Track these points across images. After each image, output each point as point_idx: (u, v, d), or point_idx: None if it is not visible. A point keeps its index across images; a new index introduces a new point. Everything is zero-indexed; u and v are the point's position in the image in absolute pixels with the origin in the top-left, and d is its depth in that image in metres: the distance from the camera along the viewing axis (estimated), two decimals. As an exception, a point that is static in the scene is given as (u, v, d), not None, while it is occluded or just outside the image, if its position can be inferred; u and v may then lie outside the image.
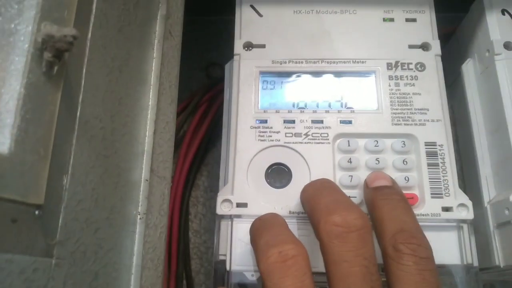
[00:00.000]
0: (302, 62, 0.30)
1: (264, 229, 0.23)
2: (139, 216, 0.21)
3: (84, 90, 0.18)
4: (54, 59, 0.16)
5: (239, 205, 0.26)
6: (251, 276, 0.25)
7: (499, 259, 0.28)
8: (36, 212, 0.15)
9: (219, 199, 0.27)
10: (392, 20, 0.31)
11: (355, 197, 0.26)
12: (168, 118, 0.25)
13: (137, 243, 0.21)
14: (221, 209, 0.26)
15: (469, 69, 0.33)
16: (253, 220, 0.24)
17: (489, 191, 0.30)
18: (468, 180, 0.32)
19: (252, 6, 0.31)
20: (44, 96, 0.16)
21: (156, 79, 0.23)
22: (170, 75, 0.26)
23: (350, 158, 0.27)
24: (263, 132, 0.28)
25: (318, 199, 0.23)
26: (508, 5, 0.31)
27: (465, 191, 0.27)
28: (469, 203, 0.26)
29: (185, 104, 0.38)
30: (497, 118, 0.29)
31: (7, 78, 0.15)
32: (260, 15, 0.31)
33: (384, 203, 0.23)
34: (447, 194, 0.26)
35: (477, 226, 0.29)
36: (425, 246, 0.20)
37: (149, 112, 0.23)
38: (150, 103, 0.23)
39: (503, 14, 0.31)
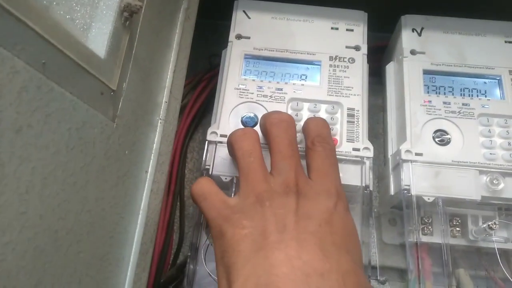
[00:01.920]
0: (273, 51, 0.44)
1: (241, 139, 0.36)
2: (159, 121, 0.35)
3: (138, 39, 0.32)
4: (128, 16, 0.30)
5: (222, 135, 0.40)
6: (224, 179, 0.39)
7: (391, 189, 0.42)
8: (112, 93, 0.29)
9: (209, 131, 0.40)
10: (337, 29, 0.46)
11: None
12: (182, 66, 0.39)
13: (156, 139, 0.35)
14: (210, 137, 0.40)
15: (390, 68, 0.47)
16: None
17: (392, 148, 0.44)
18: (386, 136, 0.46)
19: (244, 11, 0.46)
20: (121, 35, 0.30)
21: (177, 45, 0.38)
22: (185, 43, 0.40)
23: (297, 114, 0.41)
24: (242, 92, 0.42)
25: (267, 114, 0.36)
26: (417, 25, 0.46)
27: (383, 146, 0.41)
28: (371, 147, 0.40)
29: (190, 80, 0.52)
30: (400, 99, 0.44)
31: (104, 21, 0.29)
32: (249, 17, 0.46)
33: (312, 122, 0.36)
34: (357, 140, 0.40)
35: (383, 172, 0.43)
36: (330, 144, 0.34)
37: (171, 60, 0.37)
38: (172, 57, 0.37)
39: (412, 31, 0.46)
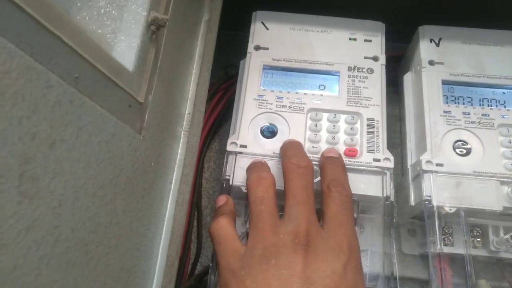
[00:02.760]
0: (292, 61, 0.44)
1: (252, 165, 0.37)
2: (183, 132, 0.35)
3: (163, 52, 0.33)
4: (155, 30, 0.30)
5: (241, 146, 0.40)
6: (244, 190, 0.39)
7: (411, 200, 0.42)
8: (139, 106, 0.30)
9: (229, 141, 0.40)
10: (355, 39, 0.46)
11: (316, 151, 0.40)
12: (205, 78, 0.39)
13: (180, 150, 0.35)
14: (230, 148, 0.40)
15: (408, 79, 0.47)
16: (249, 156, 0.39)
17: (412, 158, 0.44)
18: (404, 146, 0.46)
19: (262, 23, 0.46)
20: (148, 48, 0.30)
21: (199, 57, 0.38)
22: (208, 55, 0.40)
23: (316, 124, 0.41)
24: (261, 103, 0.42)
25: (287, 150, 0.37)
26: (435, 36, 0.46)
27: (401, 157, 0.41)
28: (391, 158, 0.40)
29: (208, 89, 0.52)
30: (419, 109, 0.44)
31: (132, 35, 0.29)
32: (267, 28, 0.46)
33: (329, 165, 0.36)
34: (378, 151, 0.40)
35: (401, 182, 0.43)
36: (346, 189, 0.33)
37: (193, 72, 0.37)
38: (194, 69, 0.37)
39: (431, 42, 0.46)
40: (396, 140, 0.50)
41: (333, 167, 0.36)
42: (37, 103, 0.22)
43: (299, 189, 0.32)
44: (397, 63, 0.53)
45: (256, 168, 0.36)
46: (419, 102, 0.44)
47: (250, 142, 0.41)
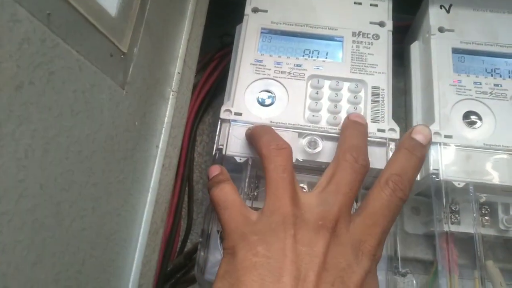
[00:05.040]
0: (292, 25, 0.41)
1: (264, 132, 0.33)
2: (171, 93, 0.32)
3: (151, 2, 0.30)
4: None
5: (236, 113, 0.37)
6: (239, 160, 0.36)
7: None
8: (122, 56, 0.27)
9: (223, 108, 0.38)
10: (360, 3, 0.43)
11: (317, 120, 0.37)
12: (197, 33, 0.36)
13: (168, 111, 0.32)
14: (223, 115, 0.37)
15: (415, 48, 0.44)
16: (245, 124, 0.35)
17: (417, 131, 0.41)
18: (409, 120, 0.43)
19: (261, -16, 0.43)
20: (133, -6, 0.27)
21: (191, 13, 0.35)
22: (201, 10, 0.37)
23: (317, 91, 0.38)
24: (258, 68, 0.39)
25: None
26: (445, 2, 0.43)
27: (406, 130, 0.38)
28: (397, 128, 0.37)
29: (200, 59, 0.49)
30: (427, 79, 0.41)
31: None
32: (266, -10, 0.43)
33: (401, 159, 0.31)
34: (383, 121, 0.37)
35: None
36: (406, 193, 0.29)
37: (185, 29, 0.34)
38: (185, 26, 0.34)
39: (441, 8, 0.43)
40: (400, 115, 0.47)
41: (405, 158, 0.31)
42: (0, 37, 0.19)
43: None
44: (403, 35, 0.50)
45: (271, 134, 0.33)
46: (427, 71, 0.41)
47: (245, 110, 0.38)
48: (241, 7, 0.43)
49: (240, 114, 0.37)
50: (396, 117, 0.45)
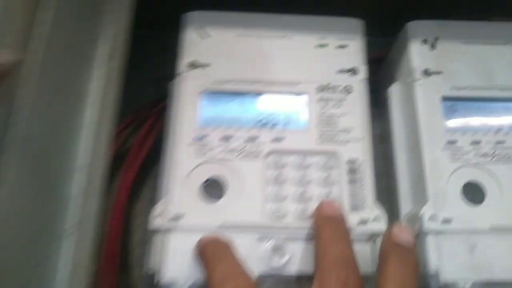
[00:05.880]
0: (242, 83, 0.32)
1: (218, 259, 0.25)
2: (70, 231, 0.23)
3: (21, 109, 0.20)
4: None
5: (174, 217, 0.28)
6: None
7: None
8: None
9: (154, 212, 0.28)
10: (325, 45, 0.34)
11: (281, 217, 0.29)
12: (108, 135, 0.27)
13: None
14: (156, 223, 0.28)
15: (395, 92, 0.36)
16: (190, 232, 0.27)
17: (406, 205, 0.33)
18: (391, 193, 0.35)
19: (198, 28, 0.33)
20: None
21: (97, 96, 0.25)
22: (112, 93, 0.27)
23: (278, 173, 0.30)
24: (200, 148, 0.30)
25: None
26: (429, 34, 0.34)
27: (389, 203, 0.30)
28: (383, 216, 0.29)
29: (132, 118, 0.39)
30: (413, 139, 0.33)
31: None
32: (207, 36, 0.33)
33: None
34: (363, 207, 0.29)
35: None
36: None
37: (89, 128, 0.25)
38: (89, 120, 0.25)
39: (424, 43, 0.34)
40: (379, 170, 0.38)
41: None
42: None
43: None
44: (379, 64, 0.41)
45: (227, 261, 0.25)
46: (413, 128, 0.33)
47: (188, 208, 0.29)
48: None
49: (181, 216, 0.28)
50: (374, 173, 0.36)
